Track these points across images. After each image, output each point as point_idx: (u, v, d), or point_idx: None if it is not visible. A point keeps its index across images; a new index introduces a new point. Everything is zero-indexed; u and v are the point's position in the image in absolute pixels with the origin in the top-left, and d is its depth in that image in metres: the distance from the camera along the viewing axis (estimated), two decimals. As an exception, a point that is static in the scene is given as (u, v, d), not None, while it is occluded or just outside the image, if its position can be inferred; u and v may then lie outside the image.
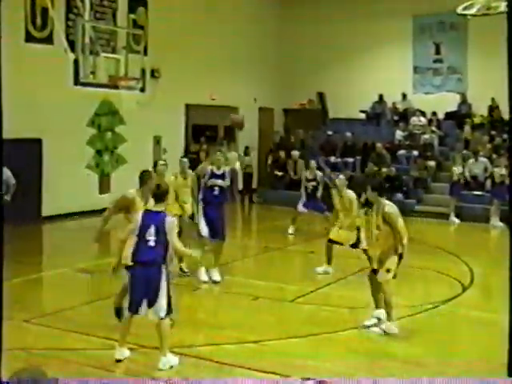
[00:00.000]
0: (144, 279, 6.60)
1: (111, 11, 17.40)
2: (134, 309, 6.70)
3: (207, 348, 7.35)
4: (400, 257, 8.03)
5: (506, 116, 19.45)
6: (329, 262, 11.16)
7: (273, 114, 24.22)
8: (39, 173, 15.90)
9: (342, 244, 11.07)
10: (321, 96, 24.06)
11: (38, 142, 15.78)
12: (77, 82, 15.04)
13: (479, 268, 12.05)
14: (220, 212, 10.53)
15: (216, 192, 10.44)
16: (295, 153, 20.83)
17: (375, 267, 8.15)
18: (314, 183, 14.82)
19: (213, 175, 10.45)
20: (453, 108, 21.87)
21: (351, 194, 11.24)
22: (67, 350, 7.22)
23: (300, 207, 14.88)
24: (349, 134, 21.38)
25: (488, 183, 18.12)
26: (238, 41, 21.77)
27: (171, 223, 6.74)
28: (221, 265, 10.67)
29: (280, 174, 21.13)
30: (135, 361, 6.92)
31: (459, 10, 15.54)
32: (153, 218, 6.70)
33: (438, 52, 22.53)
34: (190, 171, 11.19)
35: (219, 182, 10.44)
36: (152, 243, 6.61)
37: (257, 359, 6.97)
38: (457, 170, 17.88)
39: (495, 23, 13.54)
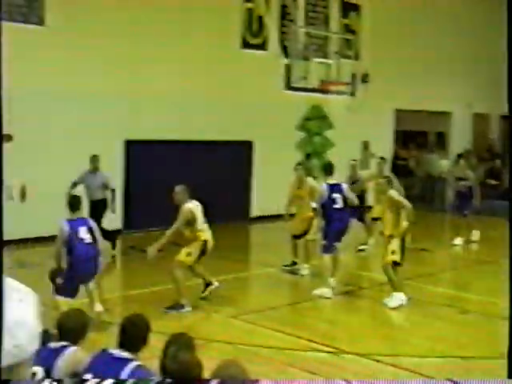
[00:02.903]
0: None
1: (323, 16, 17.56)
2: None
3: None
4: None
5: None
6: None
7: (489, 120, 23.03)
8: (249, 174, 16.43)
9: None
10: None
11: (249, 144, 16.36)
12: (288, 86, 15.42)
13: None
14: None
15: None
16: (513, 162, 19.71)
17: None
18: None
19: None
20: None
21: None
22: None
23: None
24: None
25: None
26: (454, 42, 20.84)
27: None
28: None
29: (494, 183, 20.08)
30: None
31: None
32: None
33: None
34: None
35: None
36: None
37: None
38: None
39: None
